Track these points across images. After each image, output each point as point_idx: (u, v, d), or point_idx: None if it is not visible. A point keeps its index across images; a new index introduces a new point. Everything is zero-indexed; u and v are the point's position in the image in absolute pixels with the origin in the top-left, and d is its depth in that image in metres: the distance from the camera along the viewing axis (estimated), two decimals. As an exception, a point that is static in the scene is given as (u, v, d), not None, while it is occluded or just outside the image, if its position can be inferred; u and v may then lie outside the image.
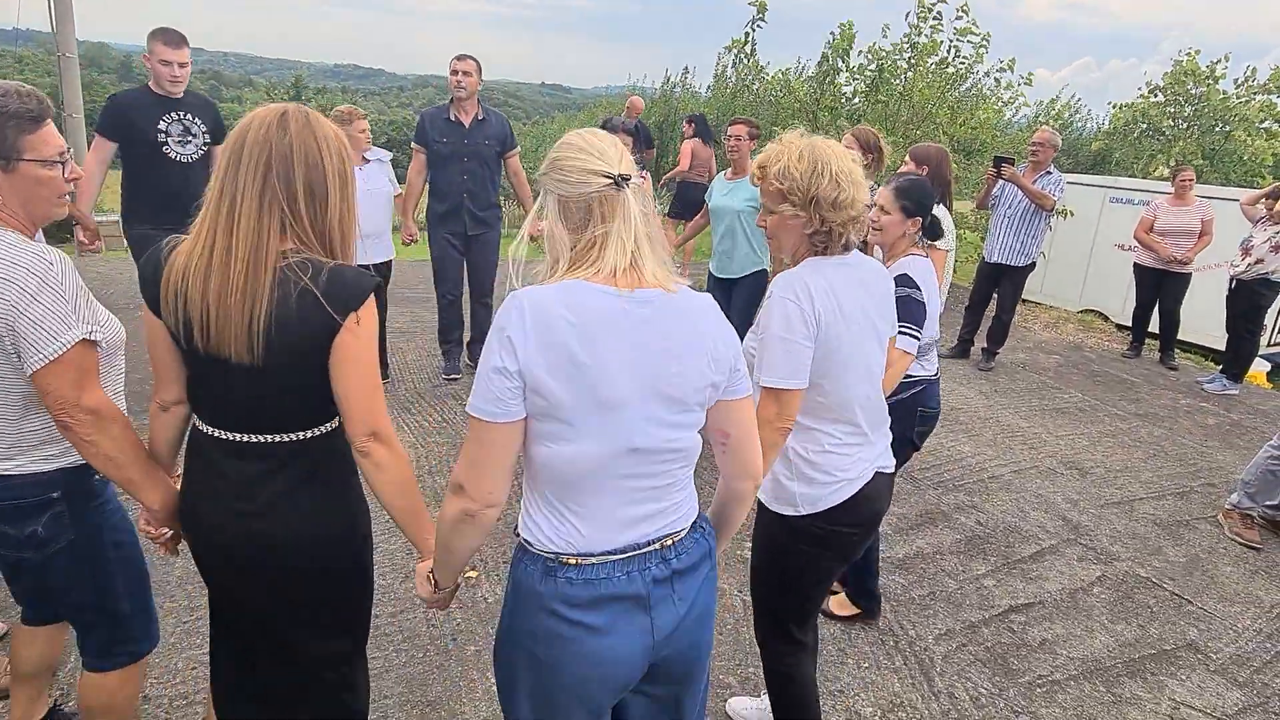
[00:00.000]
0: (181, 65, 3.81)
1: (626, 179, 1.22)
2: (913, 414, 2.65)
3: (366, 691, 1.72)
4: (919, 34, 8.18)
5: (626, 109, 8.84)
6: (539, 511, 1.28)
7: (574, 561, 1.25)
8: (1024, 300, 6.79)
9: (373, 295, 1.40)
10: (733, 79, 11.98)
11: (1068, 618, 2.98)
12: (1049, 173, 5.59)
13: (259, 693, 1.63)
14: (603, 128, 4.53)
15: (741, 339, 1.49)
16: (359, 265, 1.45)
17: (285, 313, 1.34)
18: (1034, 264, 5.75)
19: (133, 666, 1.79)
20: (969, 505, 3.83)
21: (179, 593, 2.68)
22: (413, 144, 4.62)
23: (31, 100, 1.46)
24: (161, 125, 3.82)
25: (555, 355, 1.16)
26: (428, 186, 4.71)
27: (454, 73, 4.39)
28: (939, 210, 3.31)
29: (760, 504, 1.88)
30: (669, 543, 1.30)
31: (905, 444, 2.62)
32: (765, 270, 4.27)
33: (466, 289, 4.84)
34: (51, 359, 1.42)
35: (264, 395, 1.41)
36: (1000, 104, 8.92)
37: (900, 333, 2.23)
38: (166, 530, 1.60)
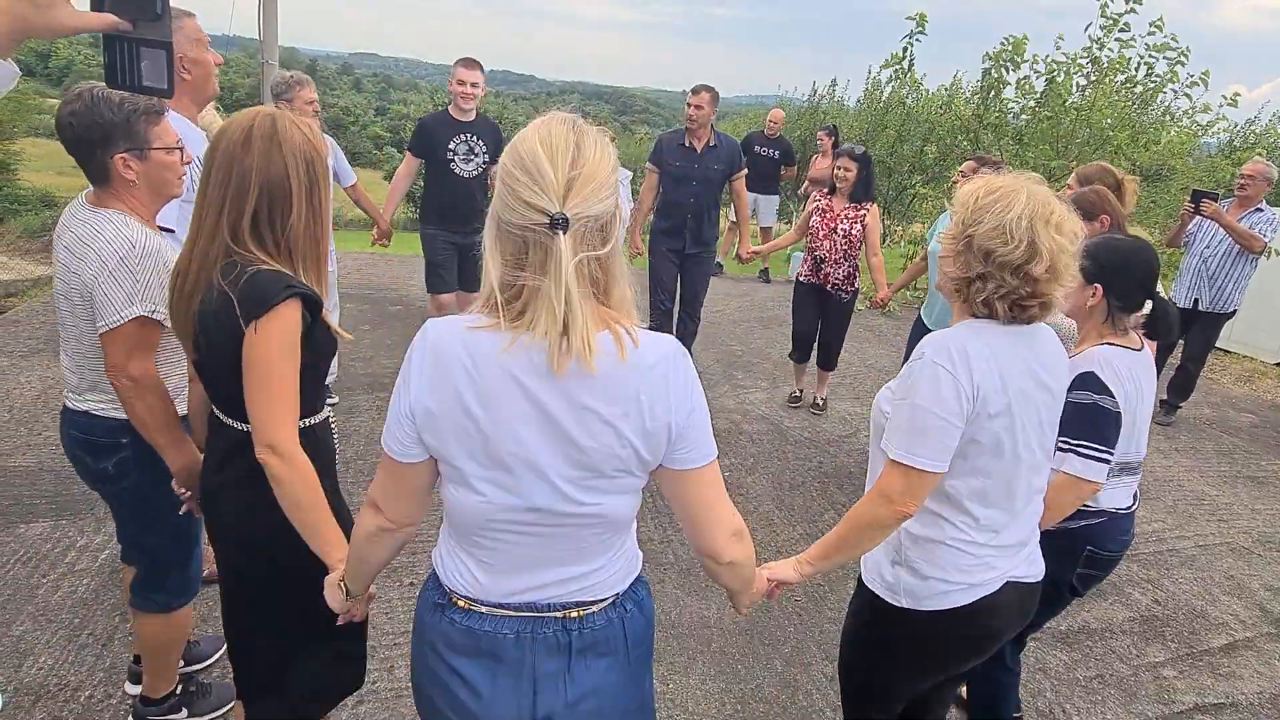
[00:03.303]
0: (473, 85, 4.28)
1: (564, 222, 0.99)
2: (1074, 554, 1.96)
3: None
4: (1102, 48, 7.51)
5: (768, 121, 8.62)
6: (445, 543, 1.22)
7: (464, 605, 1.17)
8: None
9: (289, 305, 1.37)
10: (886, 92, 11.48)
11: (1268, 728, 2.61)
12: (1259, 209, 4.96)
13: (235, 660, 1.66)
14: (836, 153, 4.48)
15: None
16: None
17: (207, 312, 1.42)
18: (1234, 311, 5.12)
19: (168, 616, 1.96)
20: (1143, 579, 3.45)
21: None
22: (648, 163, 4.90)
23: (154, 100, 1.70)
24: (451, 145, 4.32)
25: (446, 399, 1.06)
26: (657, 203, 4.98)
27: (688, 105, 4.67)
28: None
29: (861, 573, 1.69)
30: (575, 614, 1.17)
31: (1060, 589, 1.98)
32: None
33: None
34: (111, 326, 1.64)
35: (214, 383, 1.50)
36: (1196, 127, 8.01)
37: (1076, 450, 1.75)
38: (186, 490, 1.78)
